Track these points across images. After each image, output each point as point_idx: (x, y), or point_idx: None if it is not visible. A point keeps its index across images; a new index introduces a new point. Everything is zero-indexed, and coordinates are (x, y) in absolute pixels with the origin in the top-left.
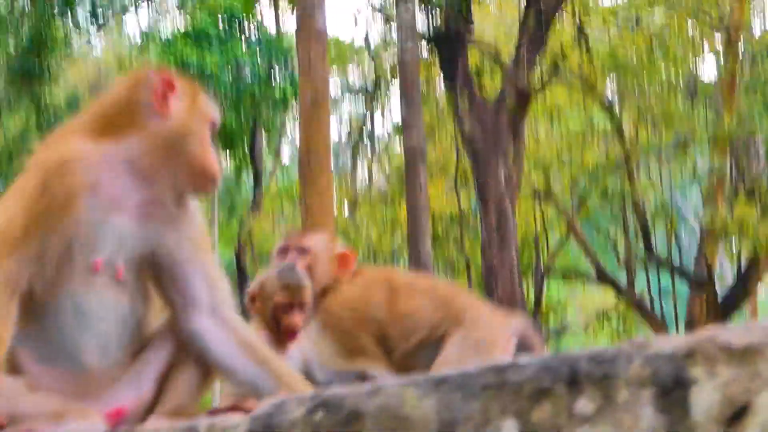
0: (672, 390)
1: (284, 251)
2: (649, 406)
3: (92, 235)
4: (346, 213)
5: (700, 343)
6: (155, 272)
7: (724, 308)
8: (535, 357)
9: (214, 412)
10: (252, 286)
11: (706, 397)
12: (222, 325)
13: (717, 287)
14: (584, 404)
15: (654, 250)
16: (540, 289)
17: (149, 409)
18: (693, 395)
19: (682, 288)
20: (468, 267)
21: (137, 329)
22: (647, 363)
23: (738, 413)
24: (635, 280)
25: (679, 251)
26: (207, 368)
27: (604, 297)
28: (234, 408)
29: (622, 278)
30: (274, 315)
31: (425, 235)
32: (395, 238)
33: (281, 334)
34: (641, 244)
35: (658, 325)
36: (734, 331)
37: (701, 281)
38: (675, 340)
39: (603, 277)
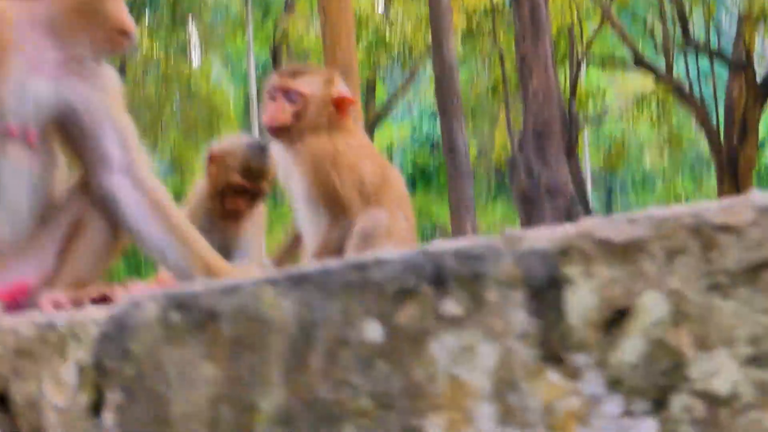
0: (545, 291)
1: (274, 93)
2: (521, 309)
3: (11, 99)
4: (381, 9)
5: (576, 238)
6: (68, 131)
7: (764, 89)
8: (398, 253)
9: (78, 300)
10: (215, 147)
11: (582, 300)
12: (135, 186)
13: (756, 68)
14: (452, 306)
15: (692, 34)
16: (576, 78)
17: (52, 282)
18: (568, 297)
19: (722, 71)
20: (502, 59)
21: (46, 197)
22: (518, 261)
23: (618, 316)
24: (673, 65)
25: (718, 35)
26: (114, 234)
27: (642, 83)
28: (102, 297)
29: (660, 65)
30: (224, 190)
31: (449, 35)
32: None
33: (223, 211)
34: (679, 30)
35: (698, 108)
36: (616, 225)
37: (740, 63)
38: (549, 235)
39: (640, 62)
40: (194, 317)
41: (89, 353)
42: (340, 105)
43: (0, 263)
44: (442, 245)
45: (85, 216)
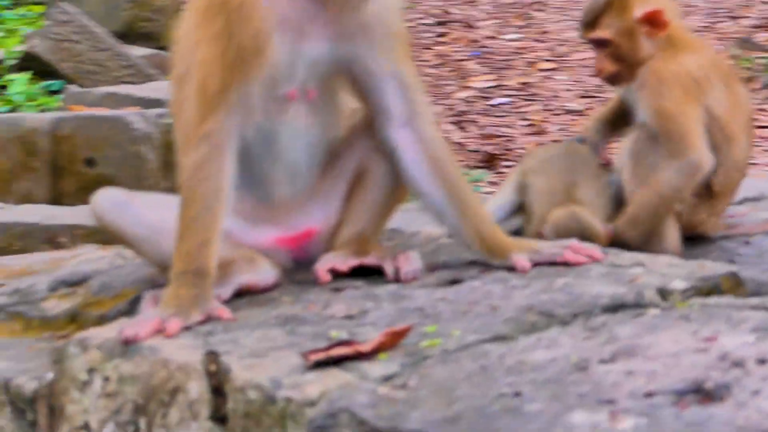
0: None
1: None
2: None
3: (286, 69)
4: None
5: None
6: (350, 83)
7: None
8: None
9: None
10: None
11: None
12: (415, 140)
13: None
14: None
15: None
16: None
17: (336, 229)
18: None
19: None
20: None
21: (328, 146)
22: None
23: None
24: None
25: None
26: (397, 184)
27: None
28: (376, 266)
29: None
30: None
31: None
32: None
33: None
34: None
35: None
36: None
37: None
38: None
39: None
40: None
41: None
42: (653, 21)
43: (286, 216)
44: None
45: (368, 161)
